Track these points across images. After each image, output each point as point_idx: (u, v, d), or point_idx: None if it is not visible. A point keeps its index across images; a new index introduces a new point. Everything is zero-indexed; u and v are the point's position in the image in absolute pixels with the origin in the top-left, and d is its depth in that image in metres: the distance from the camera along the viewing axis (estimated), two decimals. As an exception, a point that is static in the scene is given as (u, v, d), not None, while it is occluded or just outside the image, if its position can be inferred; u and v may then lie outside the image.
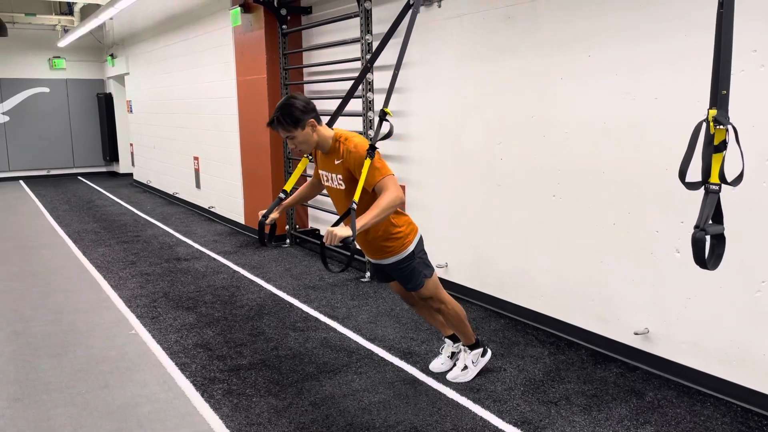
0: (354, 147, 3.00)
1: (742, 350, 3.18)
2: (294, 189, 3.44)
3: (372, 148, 2.98)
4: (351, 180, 3.04)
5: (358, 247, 3.25)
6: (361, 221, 2.83)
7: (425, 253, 3.32)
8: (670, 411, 3.18)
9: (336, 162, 3.07)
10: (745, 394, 3.18)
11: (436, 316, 3.58)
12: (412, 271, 3.24)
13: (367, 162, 2.92)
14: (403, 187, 5.45)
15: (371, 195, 2.99)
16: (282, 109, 2.97)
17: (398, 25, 3.20)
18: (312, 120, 3.00)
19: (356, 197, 2.86)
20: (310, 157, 3.31)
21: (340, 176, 3.08)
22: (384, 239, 3.17)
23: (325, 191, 3.39)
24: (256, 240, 7.33)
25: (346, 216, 2.93)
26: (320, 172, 3.24)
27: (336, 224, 2.93)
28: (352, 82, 5.69)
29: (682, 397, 3.31)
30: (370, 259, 3.38)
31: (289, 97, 3.01)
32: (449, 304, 3.40)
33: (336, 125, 3.31)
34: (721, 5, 2.00)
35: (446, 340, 3.70)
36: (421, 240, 3.29)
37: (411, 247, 3.21)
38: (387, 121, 3.09)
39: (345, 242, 2.76)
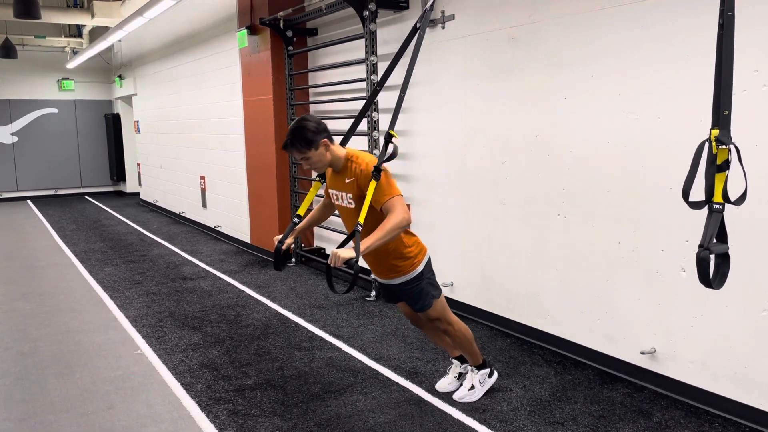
0: (366, 166, 3.03)
1: (749, 370, 3.16)
2: (308, 211, 3.45)
3: (377, 171, 3.00)
4: (361, 198, 3.05)
5: (365, 266, 3.26)
6: (366, 243, 2.84)
7: (433, 274, 3.33)
8: None
9: (347, 181, 3.08)
10: (754, 415, 3.15)
11: (444, 337, 3.57)
12: (420, 291, 3.25)
13: (372, 184, 2.94)
14: (408, 206, 5.46)
15: (377, 216, 3.00)
16: (295, 131, 2.99)
17: (406, 47, 3.24)
18: (325, 140, 3.01)
19: (361, 218, 2.88)
20: (323, 180, 3.33)
21: (350, 195, 3.10)
22: (394, 258, 3.17)
23: (337, 212, 3.40)
24: (263, 259, 7.35)
25: (351, 237, 2.94)
26: (330, 191, 3.26)
27: (341, 246, 2.94)
28: (358, 101, 5.78)
29: (690, 418, 3.28)
30: (378, 279, 3.38)
31: (301, 119, 3.04)
32: (456, 325, 3.40)
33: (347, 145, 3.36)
34: (721, 27, 2.02)
35: (454, 360, 3.69)
36: (429, 261, 3.30)
37: (420, 268, 3.22)
38: (392, 143, 3.11)
39: (348, 264, 2.78)
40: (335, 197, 3.22)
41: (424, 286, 3.25)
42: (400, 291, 3.30)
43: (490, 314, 4.77)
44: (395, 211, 2.93)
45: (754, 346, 3.12)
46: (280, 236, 3.27)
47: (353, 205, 3.11)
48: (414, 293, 3.26)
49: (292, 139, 3.00)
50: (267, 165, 7.16)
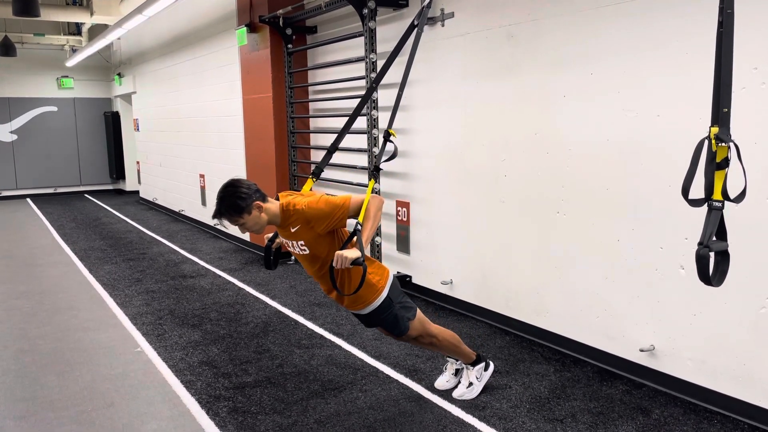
0: (306, 206, 2.91)
1: (748, 367, 3.17)
2: None
3: (376, 169, 2.99)
4: (315, 240, 2.97)
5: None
6: (364, 235, 2.84)
7: (404, 295, 3.26)
8: (676, 429, 3.15)
9: (293, 230, 2.97)
10: (753, 412, 3.16)
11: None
12: (395, 318, 3.18)
13: (371, 183, 2.93)
14: (407, 204, 5.47)
15: (326, 242, 2.99)
16: (223, 200, 2.87)
17: (403, 44, 3.23)
18: (257, 202, 2.88)
19: (360, 218, 2.87)
20: (315, 179, 3.32)
21: (301, 242, 3.00)
22: (357, 284, 3.03)
23: None
24: (262, 258, 7.35)
25: (351, 237, 2.93)
26: (282, 240, 3.15)
27: (342, 247, 2.93)
28: (357, 99, 5.78)
29: (688, 415, 3.29)
30: (349, 310, 3.28)
31: (228, 185, 2.92)
32: (440, 335, 3.37)
33: (341, 143, 3.36)
34: (720, 24, 2.02)
35: (449, 358, 3.69)
36: (395, 283, 3.20)
37: (385, 293, 3.13)
38: (391, 142, 3.10)
39: (356, 263, 2.78)
40: (288, 245, 3.11)
41: (397, 311, 3.17)
42: (374, 320, 3.23)
43: (490, 312, 4.78)
44: (365, 201, 2.89)
45: (753, 343, 3.13)
46: (270, 235, 3.23)
47: (307, 251, 3.03)
48: (389, 321, 3.19)
49: (221, 208, 2.88)
50: (266, 163, 7.16)
